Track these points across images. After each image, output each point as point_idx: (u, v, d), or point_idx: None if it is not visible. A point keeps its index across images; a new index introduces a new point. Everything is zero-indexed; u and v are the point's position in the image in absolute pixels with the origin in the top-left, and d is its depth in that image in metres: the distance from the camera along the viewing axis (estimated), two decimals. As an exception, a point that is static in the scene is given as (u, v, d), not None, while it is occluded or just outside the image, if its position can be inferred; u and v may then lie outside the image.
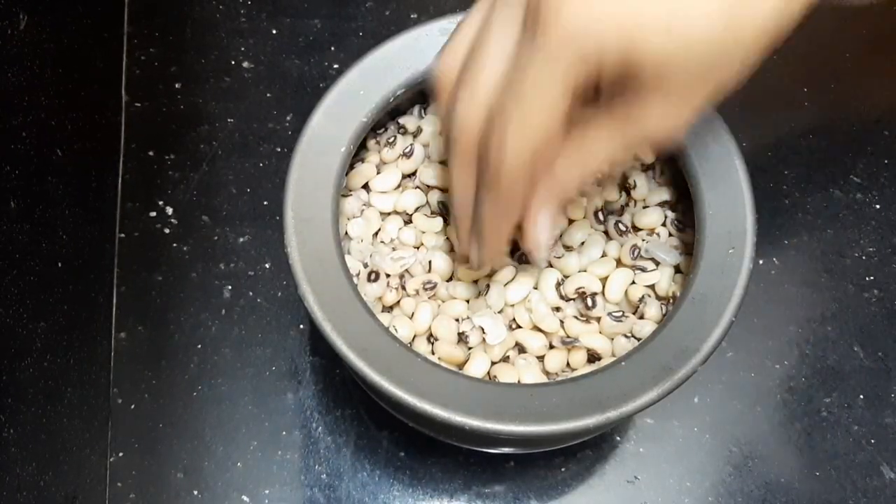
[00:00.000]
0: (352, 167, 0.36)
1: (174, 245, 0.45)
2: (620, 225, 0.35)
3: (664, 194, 0.36)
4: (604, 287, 0.35)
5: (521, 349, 0.34)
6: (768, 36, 0.26)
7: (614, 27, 0.25)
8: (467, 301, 0.35)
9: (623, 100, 0.27)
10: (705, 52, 0.25)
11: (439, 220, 0.36)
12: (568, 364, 0.34)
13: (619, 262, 0.35)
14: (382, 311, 0.35)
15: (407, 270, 0.35)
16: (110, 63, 0.48)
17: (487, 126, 0.28)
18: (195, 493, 0.40)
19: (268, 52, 0.50)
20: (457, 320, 0.34)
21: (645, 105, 0.27)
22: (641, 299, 0.34)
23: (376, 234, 0.36)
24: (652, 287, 0.35)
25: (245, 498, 0.40)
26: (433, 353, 0.34)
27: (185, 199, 0.46)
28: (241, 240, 0.45)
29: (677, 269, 0.35)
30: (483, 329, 0.33)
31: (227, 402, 0.42)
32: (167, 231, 0.45)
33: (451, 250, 0.36)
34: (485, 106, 0.28)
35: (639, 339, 0.33)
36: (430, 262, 0.35)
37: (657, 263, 0.35)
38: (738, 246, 0.32)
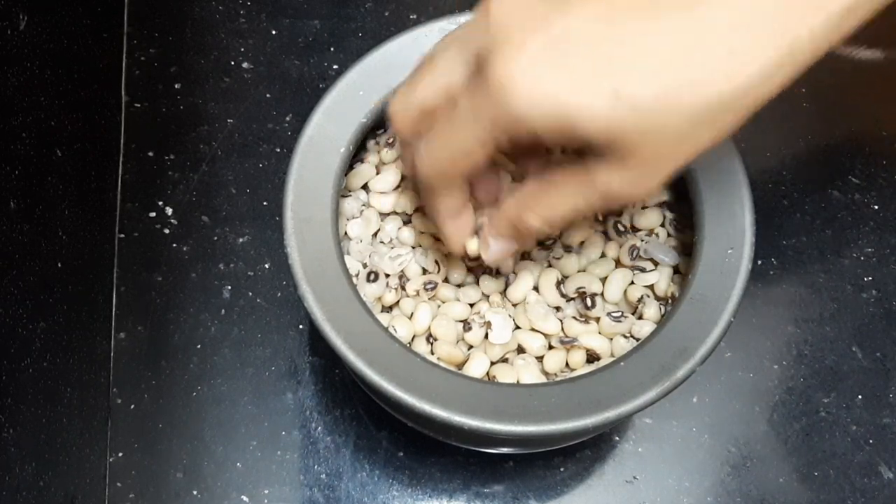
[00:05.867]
0: (351, 168, 0.36)
1: (174, 245, 0.45)
2: (619, 225, 0.35)
3: (663, 195, 0.36)
4: (603, 287, 0.35)
5: (520, 349, 0.34)
6: (747, 101, 0.24)
7: (554, 109, 0.24)
8: (467, 298, 0.35)
9: (585, 160, 0.26)
10: (661, 128, 0.24)
11: (439, 221, 0.36)
12: (567, 364, 0.34)
13: (618, 263, 0.35)
14: (382, 312, 0.35)
15: (403, 271, 0.35)
16: (110, 63, 0.48)
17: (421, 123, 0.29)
18: (195, 493, 0.40)
19: (268, 52, 0.50)
20: (470, 305, 0.34)
21: (607, 170, 0.26)
22: (640, 299, 0.34)
23: (375, 234, 0.36)
24: (651, 287, 0.35)
25: (245, 498, 0.40)
26: (432, 354, 0.34)
27: (185, 199, 0.46)
28: (241, 240, 0.45)
29: (676, 270, 0.35)
30: (490, 324, 0.33)
31: (227, 402, 0.42)
32: (167, 231, 0.45)
33: (448, 252, 0.36)
34: (418, 107, 0.29)
35: (638, 340, 0.33)
36: (429, 261, 0.35)
37: (656, 264, 0.35)
38: (736, 246, 0.32)
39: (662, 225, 0.36)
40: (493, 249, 0.31)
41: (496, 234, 0.31)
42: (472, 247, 0.32)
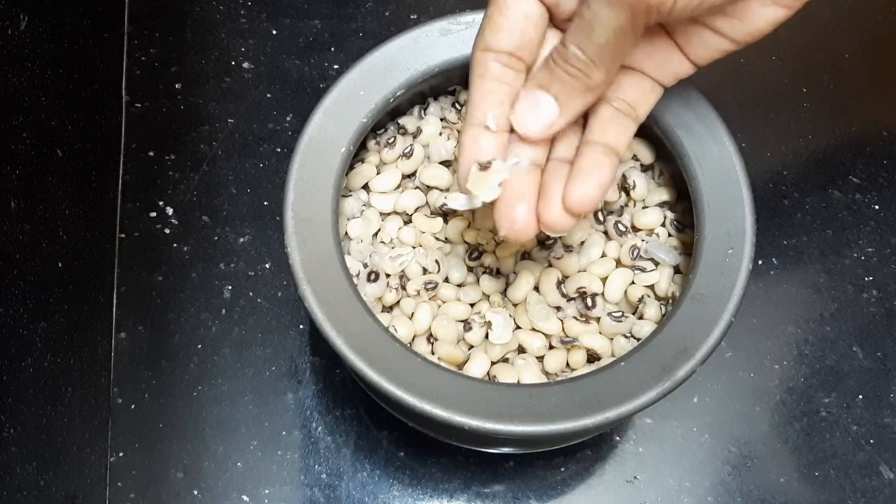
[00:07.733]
0: (352, 168, 0.36)
1: (174, 245, 0.45)
2: (620, 225, 0.35)
3: (663, 195, 0.36)
4: (603, 287, 0.35)
5: (520, 349, 0.34)
6: None
7: None
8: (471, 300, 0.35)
9: None
10: None
11: (439, 221, 0.36)
12: (567, 364, 0.34)
13: (618, 263, 0.35)
14: (382, 312, 0.35)
15: (404, 271, 0.35)
16: (110, 63, 0.48)
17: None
18: (195, 493, 0.40)
19: (268, 52, 0.50)
20: (471, 305, 0.34)
21: None
22: (641, 299, 0.34)
23: (376, 234, 0.36)
24: (651, 287, 0.35)
25: (245, 498, 0.40)
26: (433, 354, 0.34)
27: (185, 199, 0.46)
28: (241, 240, 0.45)
29: (676, 270, 0.35)
30: (491, 324, 0.33)
31: (227, 402, 0.42)
32: (167, 231, 0.45)
33: (448, 253, 0.36)
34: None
35: (638, 340, 0.33)
36: (429, 261, 0.35)
37: (656, 264, 0.35)
38: (737, 246, 0.32)
39: (663, 225, 0.36)
40: (525, 112, 0.29)
41: (538, 85, 0.28)
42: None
